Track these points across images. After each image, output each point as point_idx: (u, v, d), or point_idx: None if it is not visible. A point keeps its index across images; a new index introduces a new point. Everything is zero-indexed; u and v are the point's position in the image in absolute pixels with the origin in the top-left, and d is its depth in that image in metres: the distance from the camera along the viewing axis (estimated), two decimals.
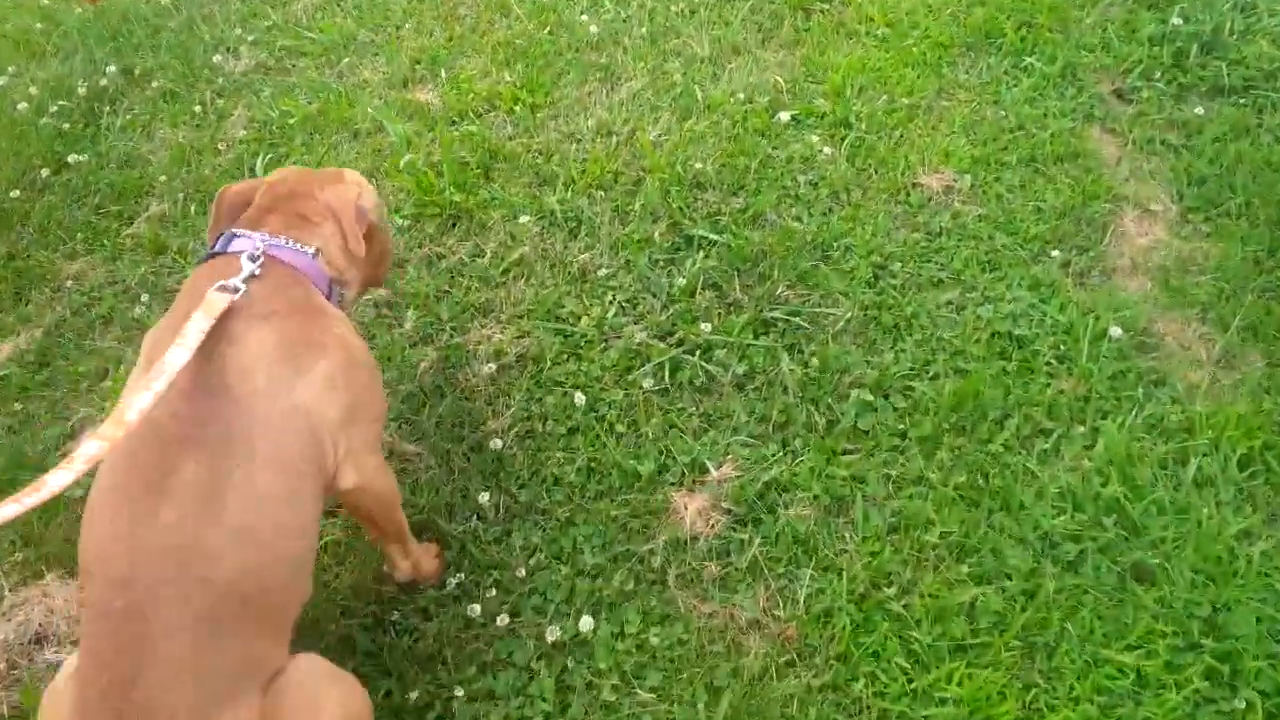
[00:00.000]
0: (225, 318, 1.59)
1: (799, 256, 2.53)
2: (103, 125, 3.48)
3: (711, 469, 2.15)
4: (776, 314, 2.41)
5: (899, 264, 2.49)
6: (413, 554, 2.00)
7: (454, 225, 2.78)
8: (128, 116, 3.49)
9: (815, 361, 2.30)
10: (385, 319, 2.59)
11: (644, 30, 3.32)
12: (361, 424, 1.73)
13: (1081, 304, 2.37)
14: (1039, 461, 2.11)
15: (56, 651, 2.06)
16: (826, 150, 2.80)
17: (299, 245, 1.80)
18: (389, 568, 2.01)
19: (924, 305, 2.39)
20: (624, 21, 3.39)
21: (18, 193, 3.24)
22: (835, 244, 2.55)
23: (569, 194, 2.79)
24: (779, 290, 2.46)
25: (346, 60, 3.47)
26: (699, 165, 2.78)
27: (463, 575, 2.06)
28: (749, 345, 2.36)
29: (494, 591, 2.03)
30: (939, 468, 2.11)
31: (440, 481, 2.23)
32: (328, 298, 1.82)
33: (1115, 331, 2.28)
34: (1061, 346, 2.29)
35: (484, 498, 2.17)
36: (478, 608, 2.00)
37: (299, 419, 1.61)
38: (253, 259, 1.71)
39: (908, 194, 2.68)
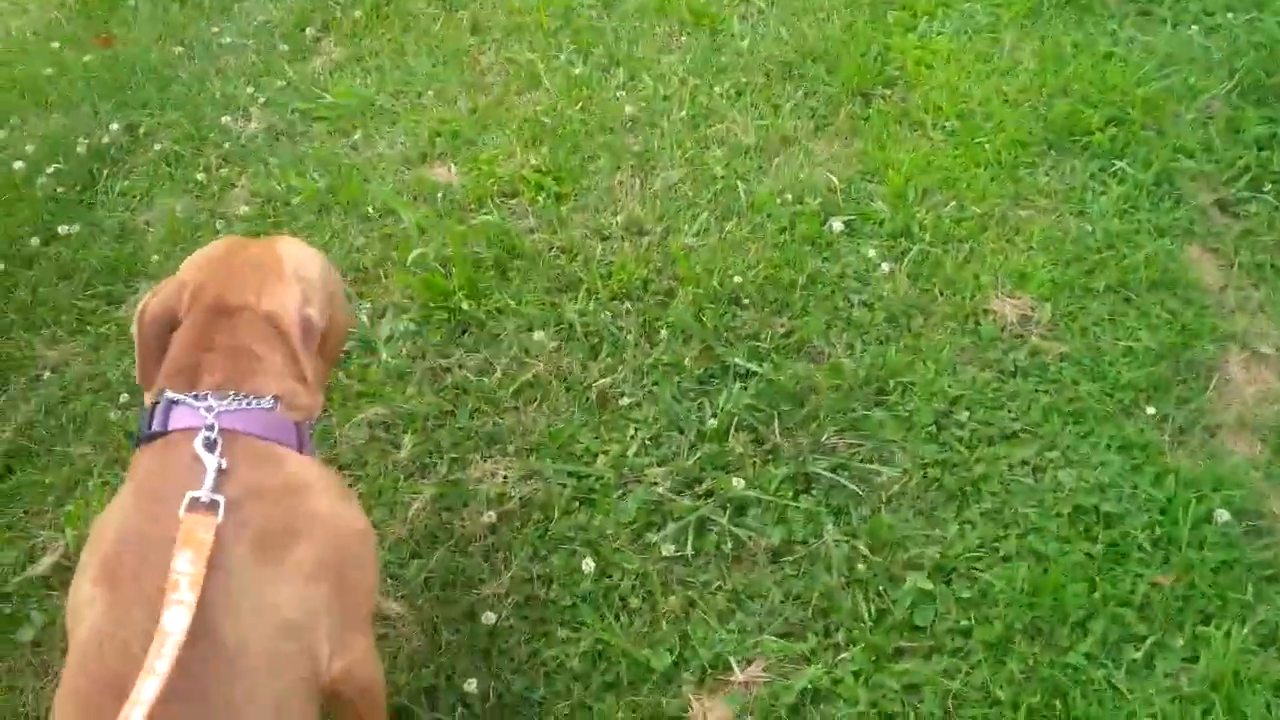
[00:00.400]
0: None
1: (850, 397, 2.20)
2: (99, 190, 3.24)
3: (737, 670, 1.82)
4: (821, 468, 2.08)
5: (966, 411, 2.16)
6: None
7: (463, 333, 2.49)
8: (126, 181, 3.25)
9: (865, 532, 1.97)
10: (379, 441, 2.29)
11: (684, 113, 3.02)
12: (351, 605, 1.45)
13: (1182, 474, 2.01)
14: (1128, 676, 1.77)
15: None
16: (885, 266, 2.47)
17: (255, 401, 1.50)
18: None
19: (995, 465, 2.06)
20: (663, 100, 3.09)
21: (2, 265, 3.00)
22: (892, 382, 2.22)
23: (591, 304, 2.48)
24: (825, 437, 2.14)
25: (362, 131, 3.20)
26: (738, 278, 2.46)
27: None
28: (787, 506, 2.03)
29: None
30: (1008, 682, 1.76)
31: (423, 658, 1.92)
32: (299, 447, 1.53)
33: (1222, 515, 1.93)
34: (1157, 528, 1.94)
35: (471, 684, 1.85)
36: None
37: (293, 641, 1.35)
38: (210, 446, 1.41)
39: (977, 322, 2.35)
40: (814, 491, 2.06)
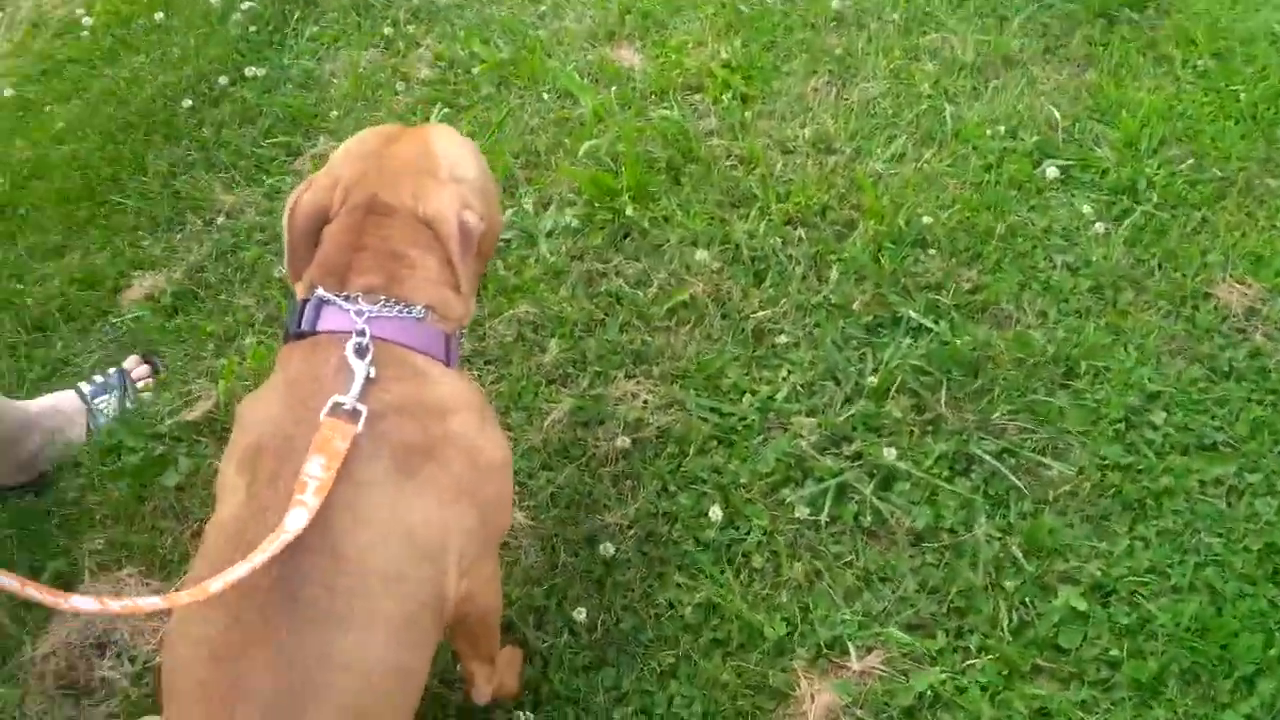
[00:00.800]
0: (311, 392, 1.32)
1: (1032, 374, 1.99)
2: (289, 32, 3.23)
3: (854, 656, 1.70)
4: (985, 450, 1.89)
5: (1163, 411, 1.91)
6: (498, 673, 1.68)
7: (625, 238, 2.37)
8: (316, 27, 3.22)
9: (1022, 532, 1.79)
10: (526, 342, 2.22)
11: (897, 16, 2.74)
12: (482, 533, 1.41)
13: None
14: None
15: (113, 667, 1.87)
16: (1099, 226, 2.19)
17: (406, 309, 1.42)
18: (466, 686, 1.69)
19: (1184, 479, 1.82)
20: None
21: (190, 102, 3.03)
22: (1084, 364, 1.99)
23: (762, 226, 2.31)
24: (996, 416, 1.94)
25: (551, 0, 3.05)
26: (927, 218, 2.24)
27: (534, 714, 1.72)
28: (940, 487, 1.86)
29: None
30: None
31: (538, 575, 1.88)
32: (446, 361, 1.45)
33: None
34: None
35: (581, 613, 1.81)
36: None
37: (423, 564, 1.31)
38: (360, 353, 1.35)
39: (1195, 307, 2.07)
40: (972, 475, 1.88)
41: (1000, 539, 1.79)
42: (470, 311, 1.53)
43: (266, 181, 2.75)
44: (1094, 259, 2.14)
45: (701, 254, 2.26)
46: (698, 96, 2.68)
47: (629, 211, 2.36)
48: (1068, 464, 1.87)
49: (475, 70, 2.89)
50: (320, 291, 1.42)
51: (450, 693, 1.77)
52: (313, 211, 1.48)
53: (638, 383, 2.11)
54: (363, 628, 1.24)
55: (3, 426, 2.09)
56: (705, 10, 2.89)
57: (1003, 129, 2.40)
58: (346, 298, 1.40)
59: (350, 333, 1.37)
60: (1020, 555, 1.76)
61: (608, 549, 1.88)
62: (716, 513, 1.88)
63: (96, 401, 2.29)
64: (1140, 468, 1.85)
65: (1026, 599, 1.72)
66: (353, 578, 1.25)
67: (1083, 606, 1.69)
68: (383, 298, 1.41)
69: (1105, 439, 1.89)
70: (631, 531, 1.91)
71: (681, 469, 1.97)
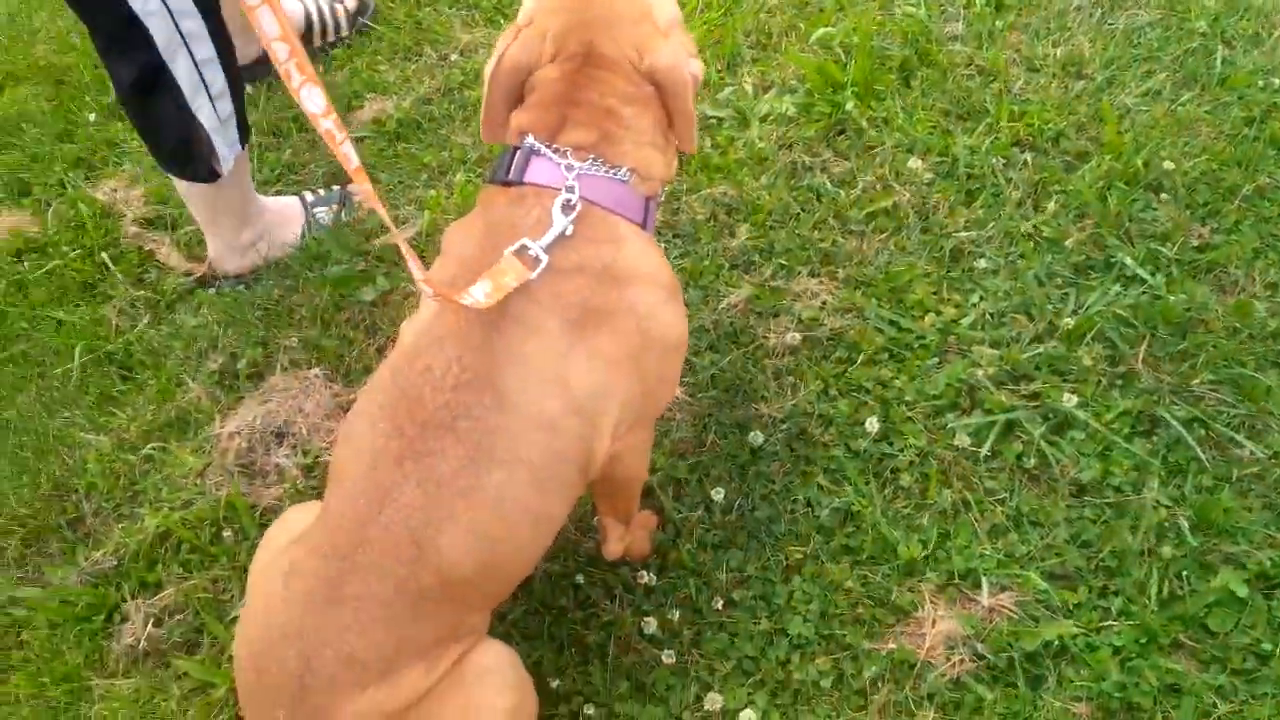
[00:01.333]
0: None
1: (1244, 347, 1.84)
2: None
3: (985, 590, 1.66)
4: (1175, 414, 1.78)
5: None
6: (631, 533, 1.73)
7: (839, 134, 2.30)
8: None
9: (1194, 506, 1.68)
10: (718, 223, 2.21)
11: None
12: (642, 404, 1.45)
13: None
14: None
15: (288, 455, 2.03)
16: None
17: (613, 170, 1.41)
18: (600, 539, 1.75)
19: None
20: None
21: None
22: None
23: (987, 143, 2.19)
24: (1194, 382, 1.81)
25: None
26: (1169, 163, 2.07)
27: (657, 578, 1.77)
28: (1115, 444, 1.77)
29: (682, 612, 1.72)
30: None
31: (685, 449, 1.91)
32: (642, 224, 1.45)
33: None
34: None
35: (719, 493, 1.83)
36: (653, 622, 1.71)
37: (576, 419, 1.35)
38: (566, 209, 1.37)
39: None
40: (1154, 438, 1.77)
41: (1170, 508, 1.69)
42: (672, 175, 1.51)
43: (503, 24, 2.80)
44: None
45: (915, 162, 2.18)
46: None
47: (849, 106, 2.28)
48: (1263, 446, 1.73)
49: None
50: (531, 140, 1.42)
51: (583, 539, 1.84)
52: (517, 66, 1.44)
53: (820, 282, 2.08)
54: (508, 467, 1.30)
55: (237, 206, 2.26)
56: None
57: (1277, 82, 2.18)
58: (557, 150, 1.40)
59: (559, 189, 1.37)
60: (1186, 527, 1.66)
61: (757, 437, 1.88)
62: (873, 424, 1.85)
63: (316, 211, 2.45)
64: None
65: (1182, 573, 1.63)
66: (508, 418, 1.30)
67: (1243, 592, 1.58)
68: (591, 157, 1.40)
69: None
70: (784, 426, 1.90)
71: (846, 375, 1.94)
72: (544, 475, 1.34)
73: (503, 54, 1.43)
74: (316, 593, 1.29)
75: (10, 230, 2.51)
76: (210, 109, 2.01)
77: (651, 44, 1.42)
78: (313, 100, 1.37)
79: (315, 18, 2.82)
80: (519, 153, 1.41)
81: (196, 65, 1.95)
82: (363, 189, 1.37)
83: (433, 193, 2.39)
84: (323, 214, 2.46)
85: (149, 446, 2.03)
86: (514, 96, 1.46)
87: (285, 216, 2.40)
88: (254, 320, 2.22)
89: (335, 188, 2.52)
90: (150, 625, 1.81)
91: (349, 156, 1.36)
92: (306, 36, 2.80)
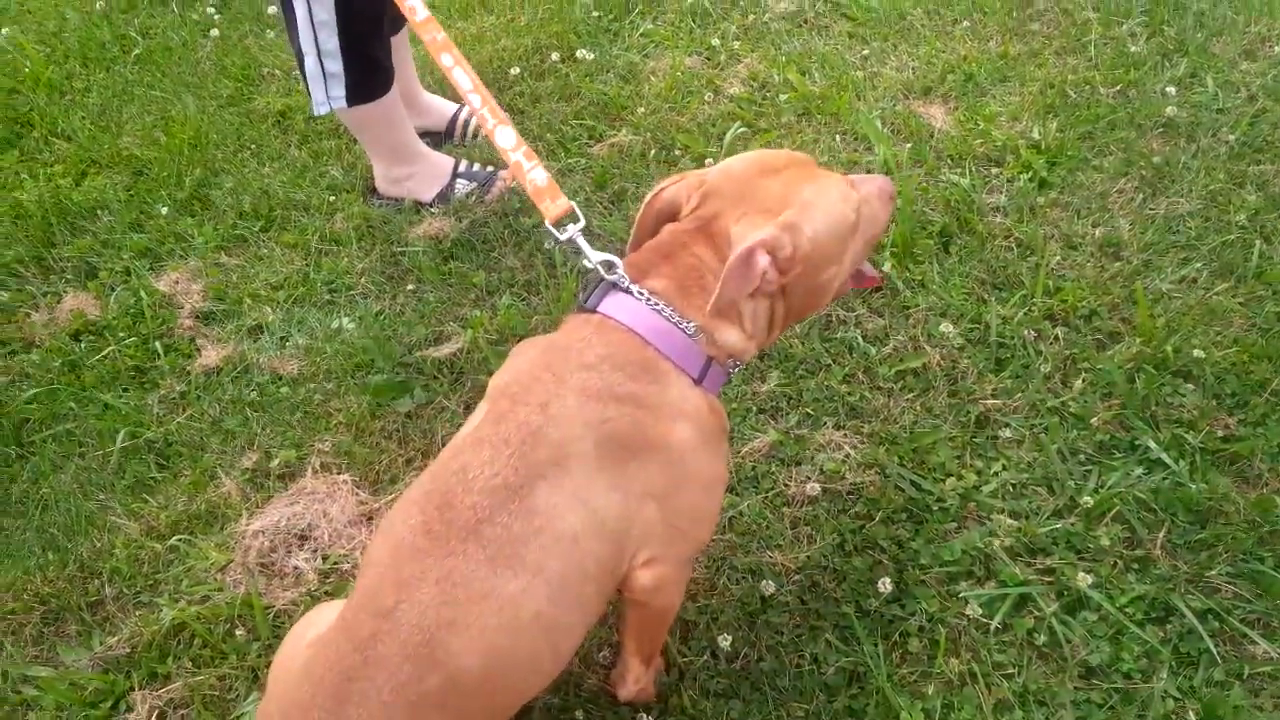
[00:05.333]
0: (557, 388, 1.42)
1: (1264, 542, 1.83)
2: (628, 24, 3.39)
3: None
4: (1190, 604, 1.77)
5: None
6: (648, 676, 1.74)
7: (874, 292, 2.36)
8: (652, 25, 3.37)
9: (1203, 701, 1.66)
10: (750, 368, 2.26)
11: (1235, 136, 2.57)
12: (678, 546, 1.48)
13: None
14: None
15: (308, 560, 2.07)
16: None
17: (681, 320, 1.47)
18: (616, 678, 1.76)
19: None
20: (1217, 114, 2.65)
21: (518, 70, 3.26)
22: None
23: (1020, 315, 2.24)
24: (1211, 573, 1.80)
25: (880, 43, 3.06)
26: (1199, 352, 2.10)
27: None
28: (1127, 629, 1.75)
29: None
30: None
31: (696, 591, 1.92)
32: (696, 378, 1.48)
33: None
34: None
35: (726, 641, 1.83)
36: None
37: (598, 542, 1.39)
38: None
39: None
40: (1167, 627, 1.76)
41: (1179, 700, 1.67)
42: (749, 351, 1.53)
43: (564, 159, 2.92)
44: None
45: (947, 326, 2.22)
46: (994, 170, 2.62)
47: (886, 267, 2.35)
48: (1277, 644, 1.71)
49: (783, 97, 2.95)
50: (619, 275, 1.50)
51: (587, 673, 1.84)
52: (667, 207, 1.55)
53: (844, 435, 2.11)
54: (528, 577, 1.34)
55: (389, 145, 2.73)
56: (1031, 87, 2.82)
57: None
58: (639, 290, 1.48)
59: (623, 324, 1.46)
60: None
61: (768, 586, 1.89)
62: (887, 584, 1.85)
63: (459, 181, 2.82)
64: None
65: None
66: (532, 529, 1.35)
67: None
68: (662, 304, 1.47)
69: None
70: (796, 578, 1.91)
71: (864, 531, 1.95)
72: (562, 591, 1.37)
73: (662, 189, 1.56)
74: (329, 680, 1.32)
75: (73, 311, 2.62)
76: (315, 58, 2.45)
77: (750, 219, 1.47)
78: (505, 138, 1.78)
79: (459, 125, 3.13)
80: (603, 284, 1.51)
81: (312, 18, 2.39)
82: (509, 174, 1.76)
83: (477, 313, 2.46)
84: (463, 185, 2.83)
85: (176, 538, 2.08)
86: (657, 230, 1.56)
87: (434, 172, 2.80)
88: (292, 422, 2.28)
89: (490, 168, 2.86)
90: (154, 718, 1.83)
91: (534, 181, 1.72)
92: (449, 133, 3.13)
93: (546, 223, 1.69)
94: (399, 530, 1.39)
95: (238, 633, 1.92)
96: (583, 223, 1.65)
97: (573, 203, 1.69)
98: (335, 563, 2.03)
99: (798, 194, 1.48)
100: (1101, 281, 2.29)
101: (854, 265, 1.59)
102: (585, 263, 1.55)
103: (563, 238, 1.63)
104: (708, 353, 1.49)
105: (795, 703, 1.75)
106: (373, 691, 1.30)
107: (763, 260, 1.43)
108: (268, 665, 1.86)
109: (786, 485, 2.04)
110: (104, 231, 2.86)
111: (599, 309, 1.49)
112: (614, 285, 1.50)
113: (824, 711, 1.74)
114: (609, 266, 1.52)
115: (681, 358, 1.46)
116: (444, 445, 2.14)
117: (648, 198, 1.55)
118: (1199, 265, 2.30)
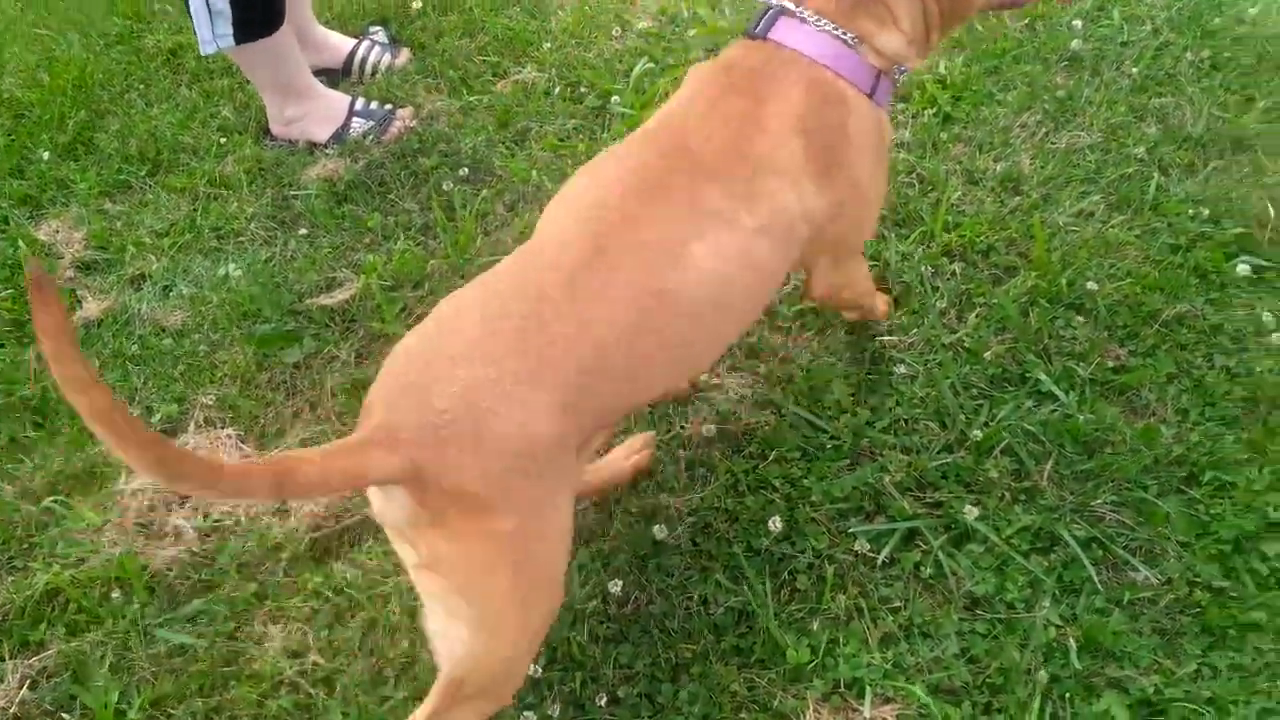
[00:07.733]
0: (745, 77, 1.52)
1: (1149, 471, 1.84)
2: None
3: (868, 703, 1.64)
4: (1074, 533, 1.77)
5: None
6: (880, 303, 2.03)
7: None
8: None
9: (1084, 626, 1.67)
10: None
11: (1136, 70, 2.56)
12: (837, 230, 1.59)
13: None
14: None
15: (187, 518, 2.00)
16: (1276, 337, 1.99)
17: (842, 32, 1.54)
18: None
19: (1278, 619, 1.65)
20: (1122, 46, 2.64)
21: (419, 4, 3.15)
22: (1209, 474, 1.82)
23: (919, 251, 2.22)
24: (1096, 502, 1.81)
25: None
26: (1092, 284, 2.10)
27: (543, 670, 1.74)
28: (1012, 560, 1.76)
29: (563, 708, 1.69)
30: None
31: (588, 535, 1.90)
32: (869, 93, 1.56)
33: None
34: None
35: (617, 585, 1.81)
36: (533, 717, 1.68)
37: (808, 226, 1.52)
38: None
39: None
40: (1051, 556, 1.77)
41: (1060, 627, 1.68)
42: (911, 56, 1.61)
43: (465, 96, 2.84)
44: (1258, 370, 1.95)
45: None
46: (899, 105, 2.59)
47: None
48: (1158, 570, 1.73)
49: (691, 33, 2.88)
50: (783, 4, 1.57)
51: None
52: None
53: (741, 376, 2.08)
54: (761, 221, 1.46)
55: (281, 84, 2.64)
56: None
57: (1206, 212, 2.21)
58: (801, 11, 1.55)
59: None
60: (1074, 648, 1.65)
61: (660, 531, 1.87)
62: (777, 523, 1.84)
63: (355, 120, 2.73)
64: (1233, 594, 1.69)
65: (1066, 694, 1.61)
66: (766, 192, 1.46)
67: (1124, 718, 1.57)
68: (825, 20, 1.54)
69: (1205, 556, 1.73)
70: (689, 520, 1.89)
71: (757, 471, 1.94)
72: (782, 247, 1.50)
73: None
74: (507, 333, 1.32)
75: None
76: None
77: None
78: None
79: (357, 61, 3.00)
80: (769, 12, 1.58)
81: None
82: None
83: (371, 258, 2.40)
84: (359, 124, 2.74)
85: (51, 499, 2.01)
86: None
87: (329, 112, 2.71)
88: (175, 375, 2.21)
89: (388, 106, 2.77)
90: (25, 688, 1.77)
91: None
92: (346, 70, 3.00)
93: None
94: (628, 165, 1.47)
95: (114, 595, 1.86)
96: None
97: None
98: (216, 520, 1.97)
99: None
100: (1001, 216, 2.28)
101: None
102: None
103: None
104: (875, 65, 1.57)
105: (684, 644, 1.74)
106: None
107: None
108: (146, 626, 1.82)
109: (683, 428, 2.02)
110: None
111: (770, 36, 1.55)
112: (781, 11, 1.56)
113: (711, 651, 1.73)
114: None
115: (857, 77, 1.54)
116: (333, 396, 2.10)
117: None
118: (1097, 198, 2.29)
